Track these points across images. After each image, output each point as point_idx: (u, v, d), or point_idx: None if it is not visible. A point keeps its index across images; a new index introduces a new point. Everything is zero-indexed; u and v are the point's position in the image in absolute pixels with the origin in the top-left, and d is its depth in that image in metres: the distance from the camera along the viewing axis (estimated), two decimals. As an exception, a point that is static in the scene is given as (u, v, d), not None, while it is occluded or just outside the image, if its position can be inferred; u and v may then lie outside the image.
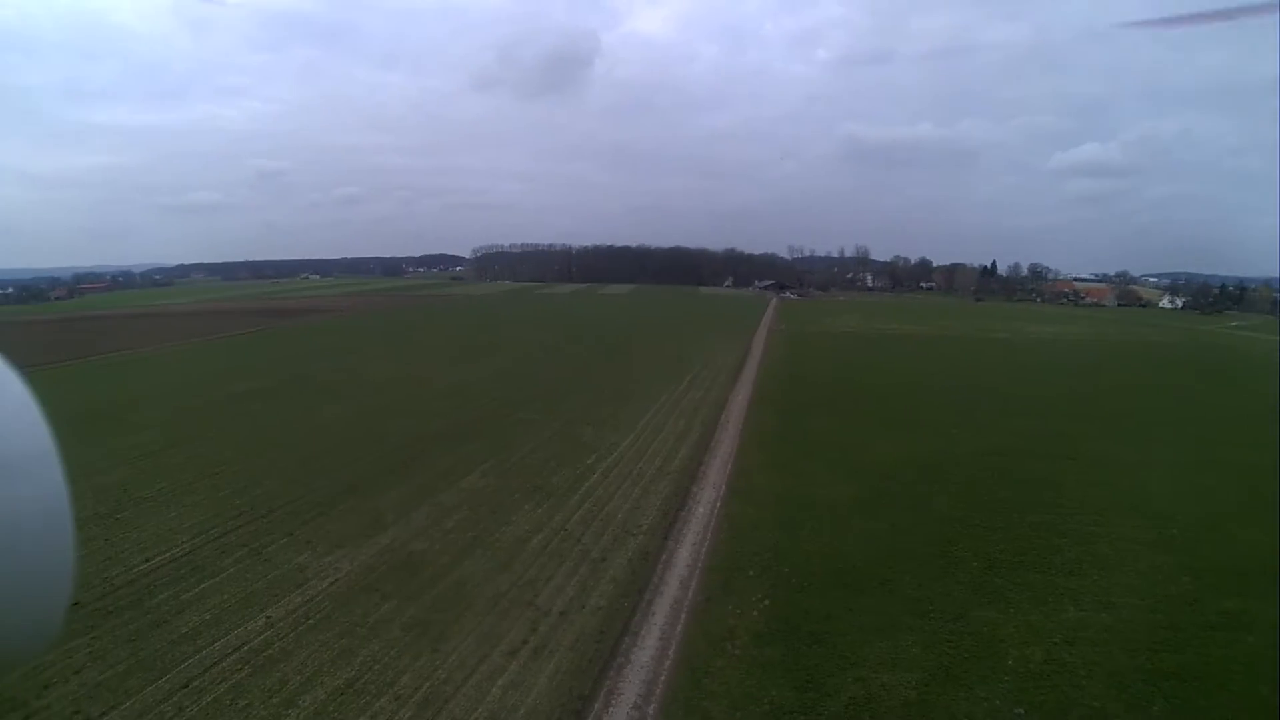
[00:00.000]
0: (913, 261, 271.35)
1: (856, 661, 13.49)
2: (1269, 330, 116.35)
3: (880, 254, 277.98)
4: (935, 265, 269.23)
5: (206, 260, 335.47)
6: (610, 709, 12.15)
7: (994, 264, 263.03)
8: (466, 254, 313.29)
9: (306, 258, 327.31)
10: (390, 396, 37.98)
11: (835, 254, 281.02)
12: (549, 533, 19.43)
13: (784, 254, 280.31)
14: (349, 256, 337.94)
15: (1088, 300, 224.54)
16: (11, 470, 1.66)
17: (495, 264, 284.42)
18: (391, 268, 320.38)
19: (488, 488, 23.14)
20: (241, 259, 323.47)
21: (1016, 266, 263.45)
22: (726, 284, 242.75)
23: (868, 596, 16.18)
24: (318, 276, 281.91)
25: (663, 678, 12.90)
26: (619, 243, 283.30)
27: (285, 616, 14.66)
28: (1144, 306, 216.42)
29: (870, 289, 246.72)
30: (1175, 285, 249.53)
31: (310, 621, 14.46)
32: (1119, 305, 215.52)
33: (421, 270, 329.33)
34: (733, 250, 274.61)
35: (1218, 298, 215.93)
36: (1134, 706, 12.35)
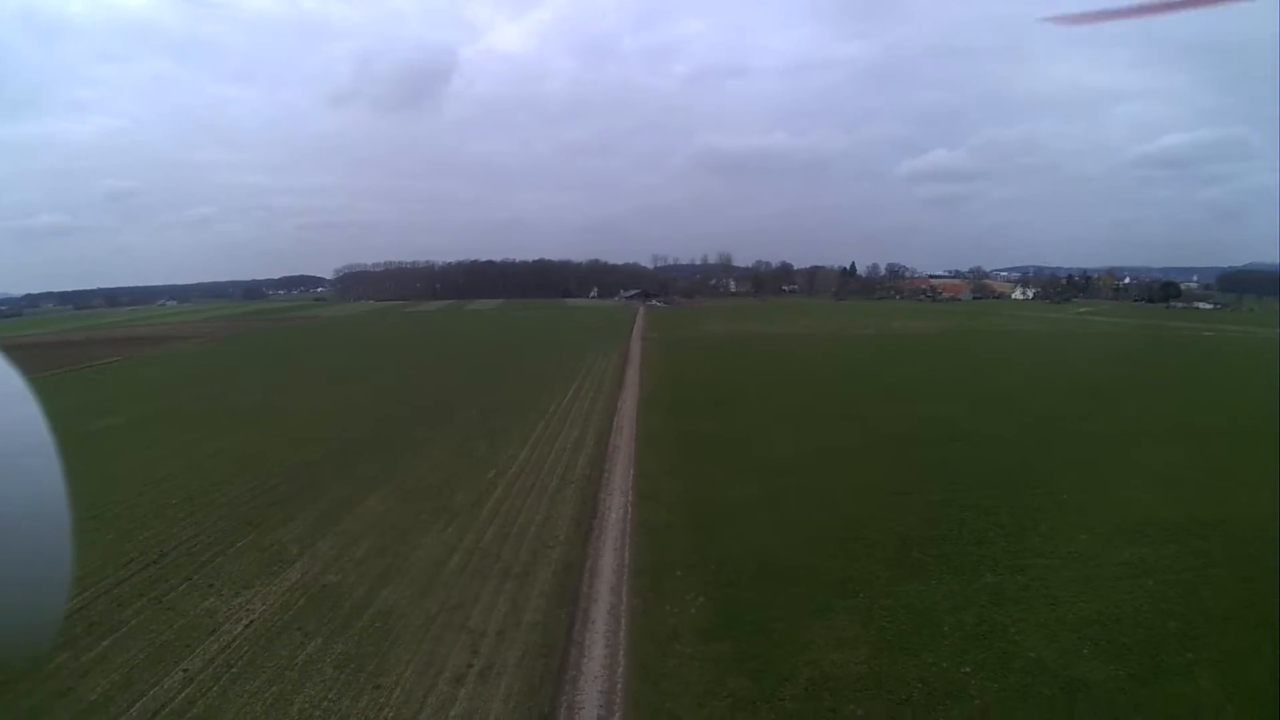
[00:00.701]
0: (774, 266, 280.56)
1: (803, 645, 13.94)
2: (1113, 314, 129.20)
3: (742, 260, 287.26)
4: (797, 268, 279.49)
5: (57, 289, 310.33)
6: (575, 723, 12.14)
7: (853, 265, 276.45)
8: (328, 275, 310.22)
9: (163, 283, 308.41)
10: (270, 424, 36.10)
11: (698, 261, 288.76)
12: (465, 552, 19.03)
13: (647, 263, 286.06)
14: (207, 280, 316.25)
15: (944, 296, 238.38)
16: (11, 470, 1.69)
17: (358, 284, 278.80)
18: (252, 291, 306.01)
19: (391, 512, 22.46)
20: (94, 286, 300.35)
21: (875, 267, 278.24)
22: (592, 295, 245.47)
23: (797, 584, 16.72)
24: (174, 302, 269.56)
25: (619, 685, 12.85)
26: (483, 258, 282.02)
27: (204, 668, 13.63)
28: (998, 298, 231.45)
29: (734, 294, 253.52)
30: (1025, 278, 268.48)
31: (233, 670, 13.55)
32: (974, 298, 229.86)
33: (283, 293, 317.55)
34: (597, 261, 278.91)
35: (1065, 288, 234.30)
36: (1066, 652, 13.38)
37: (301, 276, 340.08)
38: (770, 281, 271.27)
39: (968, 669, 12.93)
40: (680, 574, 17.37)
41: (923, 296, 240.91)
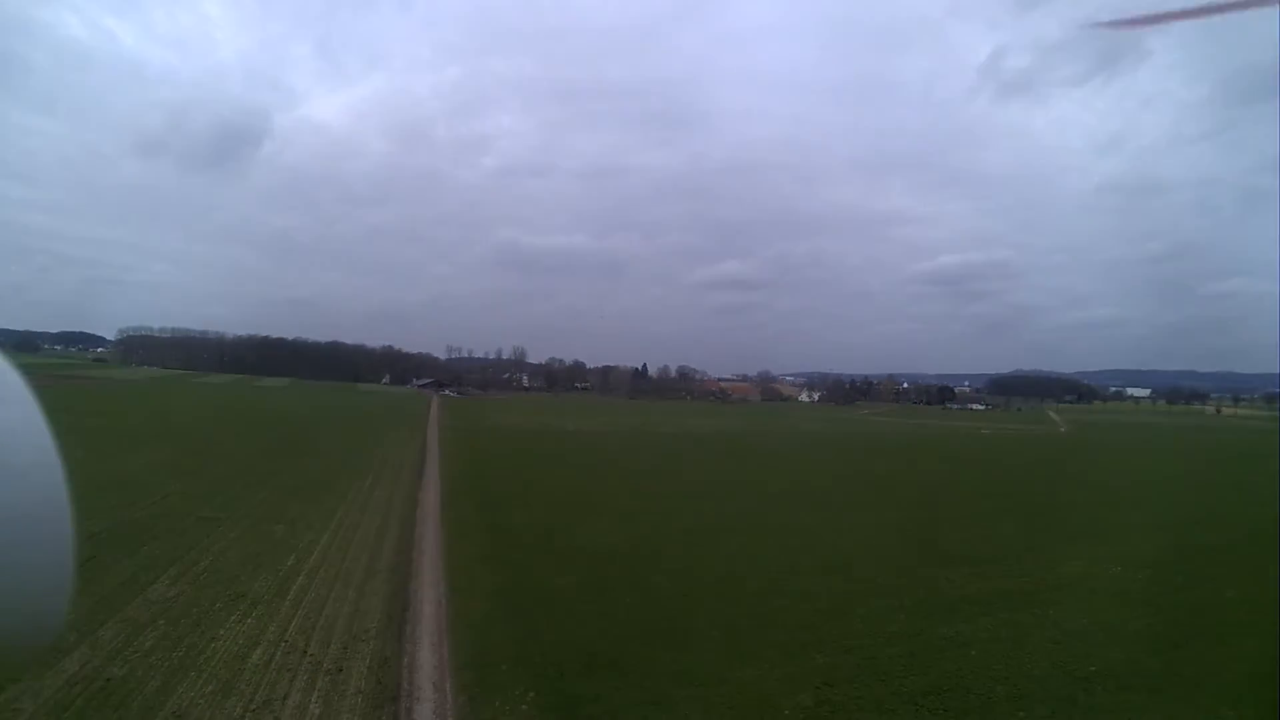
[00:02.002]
0: (568, 363, 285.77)
1: (646, 738, 13.68)
2: (896, 414, 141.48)
3: (536, 356, 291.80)
4: (590, 367, 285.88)
5: None
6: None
7: (645, 366, 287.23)
8: (110, 334, 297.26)
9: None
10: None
11: (493, 355, 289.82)
12: (268, 645, 17.21)
13: (441, 354, 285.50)
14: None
15: (734, 397, 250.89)
16: (11, 470, 1.72)
17: (142, 348, 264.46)
18: (26, 342, 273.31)
19: (181, 596, 20.03)
20: None
21: (666, 368, 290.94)
22: (384, 381, 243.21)
23: (629, 675, 16.35)
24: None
25: (454, 792, 12.04)
26: (274, 334, 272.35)
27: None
28: (785, 400, 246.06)
29: (527, 389, 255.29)
30: (812, 382, 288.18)
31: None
32: (763, 401, 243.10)
33: (59, 348, 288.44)
34: (390, 348, 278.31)
35: (849, 391, 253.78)
36: (907, 726, 13.91)
37: (81, 333, 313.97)
38: (563, 378, 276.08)
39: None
40: (505, 668, 16.49)
41: (713, 398, 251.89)
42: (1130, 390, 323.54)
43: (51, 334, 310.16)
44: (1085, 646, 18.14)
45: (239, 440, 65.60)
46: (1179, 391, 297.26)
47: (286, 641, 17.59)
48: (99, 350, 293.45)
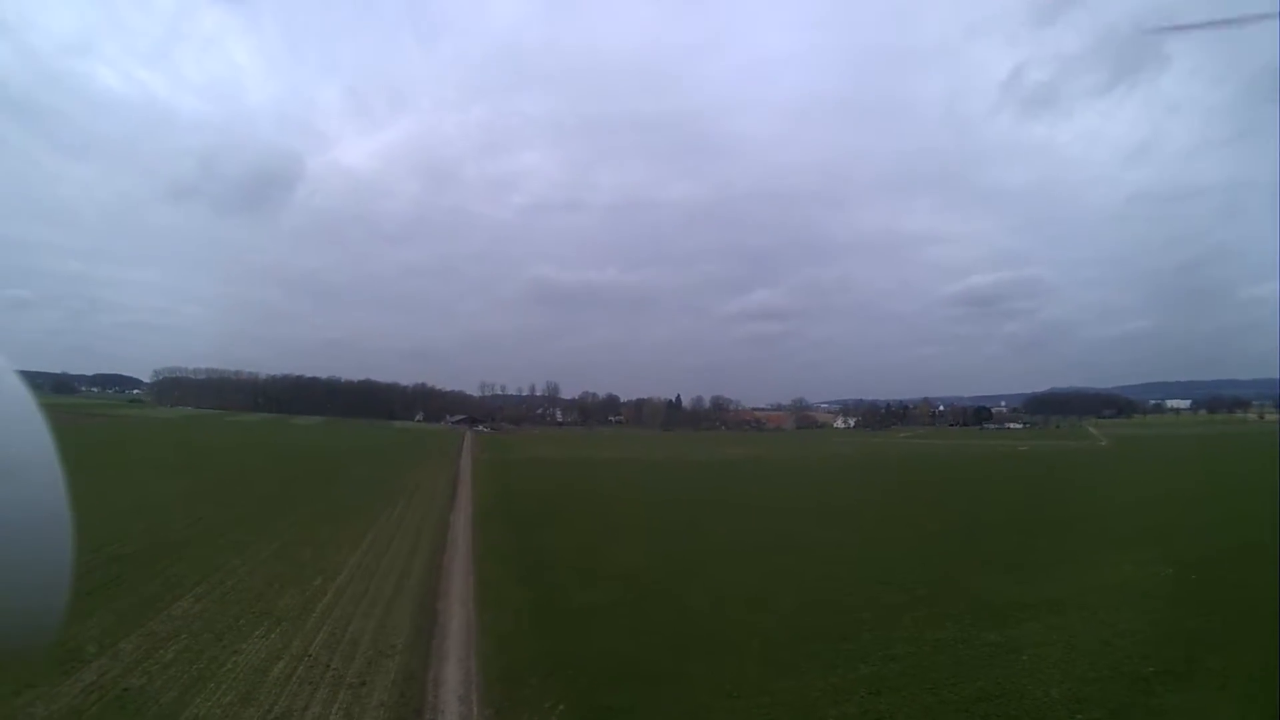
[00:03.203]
0: (601, 397, 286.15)
1: (686, 750, 13.05)
2: (935, 436, 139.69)
3: (569, 391, 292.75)
4: (623, 400, 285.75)
5: None
6: None
7: (678, 397, 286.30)
8: (144, 376, 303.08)
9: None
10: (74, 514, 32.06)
11: (526, 391, 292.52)
12: (291, 659, 16.81)
13: (474, 391, 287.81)
14: (15, 369, 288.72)
15: (769, 426, 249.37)
16: (11, 471, 1.66)
17: (177, 389, 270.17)
18: (63, 385, 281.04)
19: (206, 613, 19.75)
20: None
21: (700, 399, 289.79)
22: (418, 418, 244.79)
23: (665, 687, 15.75)
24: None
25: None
26: (307, 373, 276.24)
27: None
28: (820, 428, 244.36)
29: (561, 424, 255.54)
30: (846, 408, 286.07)
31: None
32: (798, 428, 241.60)
33: (96, 390, 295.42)
34: (423, 385, 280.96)
35: (884, 416, 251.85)
36: (958, 731, 13.15)
37: (117, 375, 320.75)
38: (597, 412, 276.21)
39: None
40: (535, 681, 15.94)
41: (747, 427, 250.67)
42: (1170, 402, 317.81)
43: (88, 376, 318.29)
44: (1142, 648, 17.19)
45: (271, 472, 66.78)
46: (1220, 400, 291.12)
47: (309, 656, 17.17)
48: (135, 392, 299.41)
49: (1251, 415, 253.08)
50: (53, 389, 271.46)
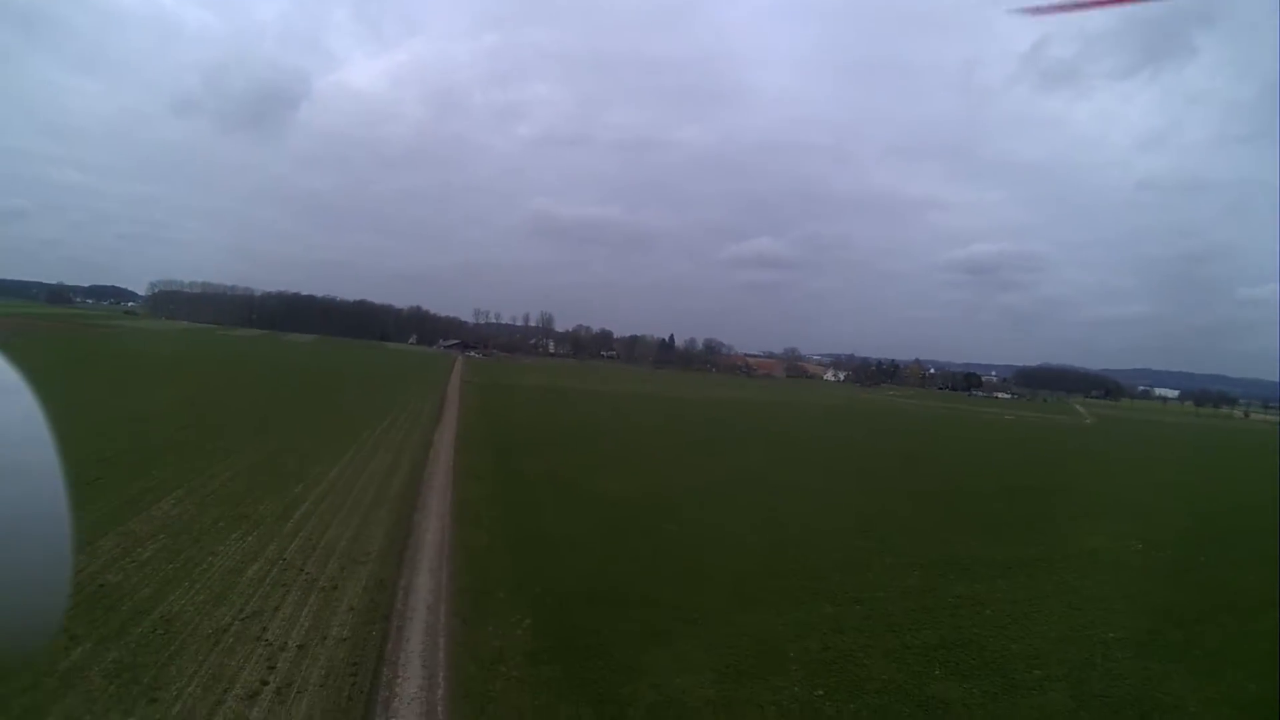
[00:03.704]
0: (595, 331, 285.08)
1: (643, 670, 12.99)
2: (921, 398, 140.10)
3: (564, 323, 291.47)
4: (616, 336, 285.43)
5: None
6: (393, 750, 10.65)
7: (672, 337, 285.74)
8: (140, 289, 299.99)
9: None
10: (60, 422, 32.09)
11: (520, 321, 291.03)
12: (265, 562, 16.87)
13: (469, 317, 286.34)
14: (7, 278, 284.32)
15: (759, 373, 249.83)
16: (11, 470, 1.68)
17: (172, 302, 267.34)
18: (58, 294, 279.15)
19: (185, 515, 19.79)
20: None
21: (693, 341, 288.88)
22: (411, 341, 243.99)
23: (632, 610, 15.86)
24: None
25: (440, 707, 11.46)
26: (303, 291, 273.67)
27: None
28: (810, 379, 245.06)
29: (553, 354, 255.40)
30: (838, 362, 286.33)
31: (-20, 676, 11.17)
32: (788, 377, 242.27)
33: (91, 301, 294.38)
34: (418, 308, 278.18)
35: (875, 373, 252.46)
36: (917, 675, 13.27)
37: (112, 287, 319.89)
38: (590, 346, 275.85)
39: (820, 692, 12.46)
40: (503, 596, 16.07)
41: (738, 371, 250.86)
42: (1158, 390, 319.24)
43: (83, 288, 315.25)
44: (1106, 614, 17.44)
45: (260, 385, 66.51)
46: (1208, 394, 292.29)
47: (284, 560, 17.26)
48: (129, 304, 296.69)
49: (1237, 413, 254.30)
50: (48, 298, 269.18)
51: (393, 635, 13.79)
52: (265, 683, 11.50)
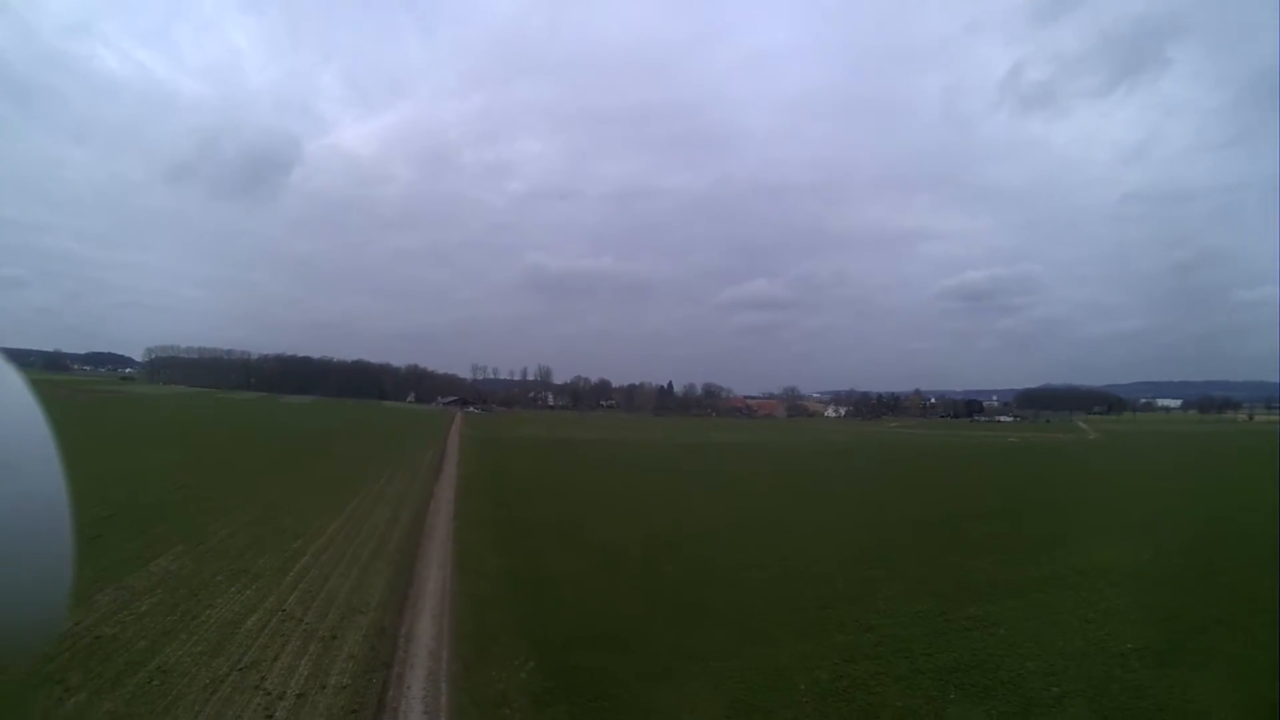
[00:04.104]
0: (593, 382, 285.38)
1: (650, 709, 12.59)
2: (926, 428, 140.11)
3: (562, 376, 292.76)
4: (615, 385, 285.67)
5: None
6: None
7: (670, 384, 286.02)
8: (136, 355, 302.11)
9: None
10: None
11: (518, 375, 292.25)
12: (264, 614, 16.61)
13: (466, 374, 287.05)
14: (4, 346, 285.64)
15: (760, 414, 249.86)
16: (11, 470, 1.66)
17: (169, 367, 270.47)
18: (54, 362, 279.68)
19: (183, 571, 19.53)
20: None
21: (692, 386, 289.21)
22: (409, 399, 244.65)
23: (635, 651, 15.51)
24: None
25: (441, 752, 11.25)
26: (300, 353, 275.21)
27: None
28: (811, 416, 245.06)
29: (552, 407, 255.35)
30: (838, 398, 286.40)
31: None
32: (789, 417, 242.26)
33: (89, 368, 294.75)
34: (416, 367, 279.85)
35: (875, 406, 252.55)
36: (933, 699, 12.90)
37: (109, 354, 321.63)
38: (589, 396, 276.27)
39: (829, 719, 12.14)
40: (507, 640, 15.77)
41: (738, 414, 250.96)
42: (1161, 401, 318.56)
43: (80, 355, 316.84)
44: (1121, 626, 17.02)
45: (259, 445, 66.71)
46: (1211, 401, 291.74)
47: (283, 611, 17.00)
48: (127, 370, 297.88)
49: (1241, 416, 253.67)
50: (44, 366, 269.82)
51: (393, 682, 13.52)
52: (264, 729, 11.27)
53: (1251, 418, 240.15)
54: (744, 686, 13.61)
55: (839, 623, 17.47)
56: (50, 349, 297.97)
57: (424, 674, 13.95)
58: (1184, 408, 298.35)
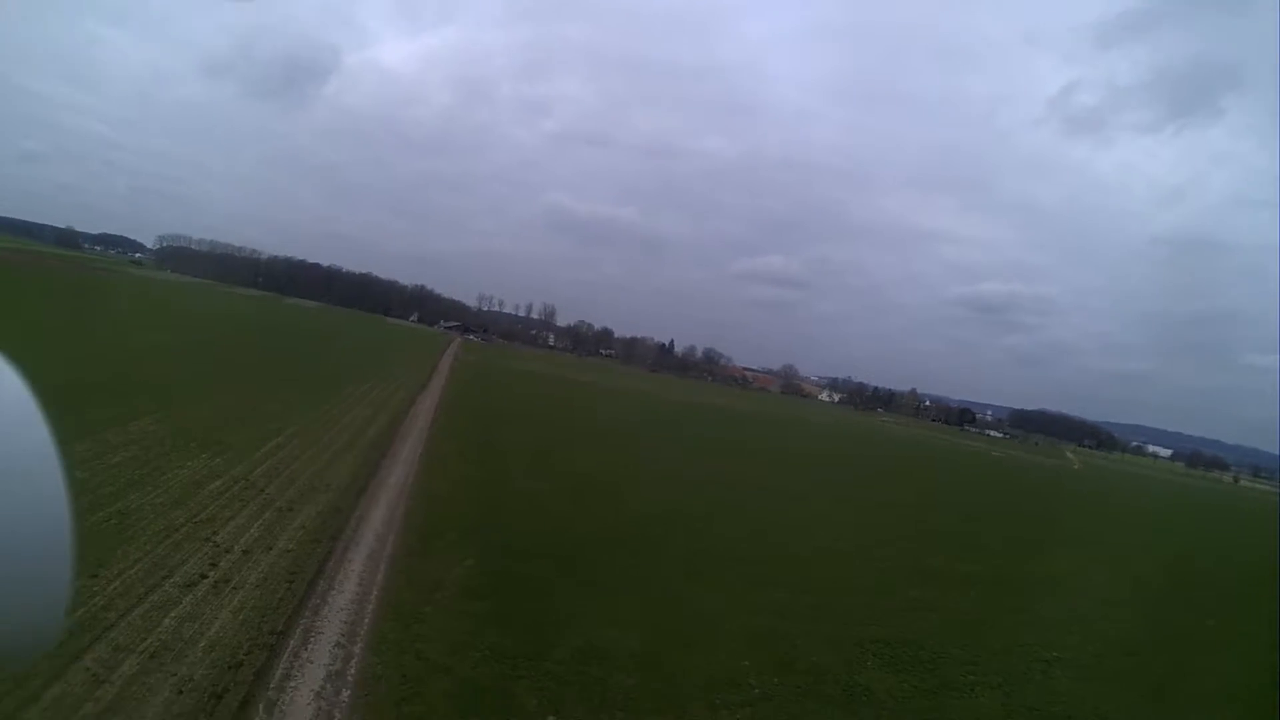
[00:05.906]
0: (596, 328, 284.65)
1: (575, 616, 12.96)
2: (913, 425, 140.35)
3: (566, 318, 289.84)
4: (617, 335, 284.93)
5: None
6: (310, 645, 10.59)
7: (672, 342, 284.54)
8: (149, 241, 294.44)
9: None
10: (52, 348, 31.95)
11: (523, 310, 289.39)
12: (229, 480, 17.04)
13: (472, 302, 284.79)
14: (18, 218, 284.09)
15: (755, 386, 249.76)
16: (11, 470, 1.61)
17: (178, 256, 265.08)
18: (67, 239, 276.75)
19: (161, 433, 19.88)
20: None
21: (693, 348, 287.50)
22: (413, 318, 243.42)
23: (579, 567, 15.81)
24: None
25: (367, 620, 11.53)
26: (310, 259, 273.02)
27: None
28: (805, 397, 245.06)
29: (552, 347, 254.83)
30: (835, 384, 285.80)
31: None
32: (783, 393, 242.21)
33: (99, 248, 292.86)
34: (422, 288, 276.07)
35: (870, 398, 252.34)
36: (850, 663, 13.14)
37: (121, 237, 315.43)
38: (589, 342, 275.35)
39: (746, 663, 12.35)
40: (454, 537, 16.21)
41: (734, 382, 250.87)
42: (1151, 447, 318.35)
43: (92, 234, 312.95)
44: (1056, 635, 17.16)
45: (255, 340, 66.71)
46: (1200, 456, 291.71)
47: (247, 480, 17.43)
48: (137, 255, 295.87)
49: (1227, 478, 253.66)
50: (56, 240, 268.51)
51: (336, 554, 13.88)
52: (204, 576, 11.85)
53: (1237, 480, 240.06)
54: (673, 617, 13.94)
55: (784, 583, 17.74)
56: (63, 225, 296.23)
57: (366, 552, 14.28)
58: (1173, 458, 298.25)
